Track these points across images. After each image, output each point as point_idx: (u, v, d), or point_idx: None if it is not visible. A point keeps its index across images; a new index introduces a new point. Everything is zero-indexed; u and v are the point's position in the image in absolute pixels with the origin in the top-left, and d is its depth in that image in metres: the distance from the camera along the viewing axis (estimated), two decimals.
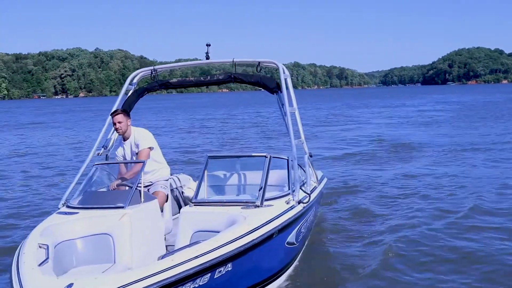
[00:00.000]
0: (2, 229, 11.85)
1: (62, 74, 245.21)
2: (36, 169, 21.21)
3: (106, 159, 9.14)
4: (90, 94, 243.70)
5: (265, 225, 6.78)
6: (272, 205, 7.43)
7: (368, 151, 23.00)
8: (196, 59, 9.97)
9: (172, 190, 9.46)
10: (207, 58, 9.38)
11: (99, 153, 9.11)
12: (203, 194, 7.82)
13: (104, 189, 8.19)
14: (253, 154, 8.51)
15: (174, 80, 9.73)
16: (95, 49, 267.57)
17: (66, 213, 7.36)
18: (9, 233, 11.47)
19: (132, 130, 8.62)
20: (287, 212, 7.44)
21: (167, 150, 23.30)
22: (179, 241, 7.19)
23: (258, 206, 7.32)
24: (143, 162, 7.83)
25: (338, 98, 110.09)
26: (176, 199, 9.72)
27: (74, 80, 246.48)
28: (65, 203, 7.88)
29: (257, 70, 9.50)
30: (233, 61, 9.30)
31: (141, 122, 46.52)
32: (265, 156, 8.01)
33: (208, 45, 9.34)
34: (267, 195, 7.57)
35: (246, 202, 7.46)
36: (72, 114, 71.22)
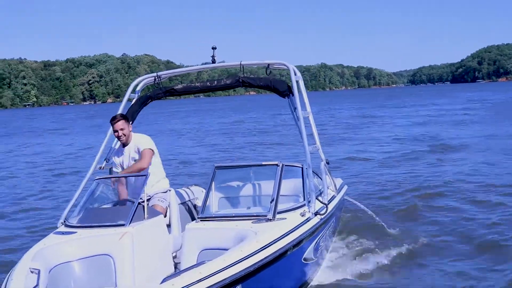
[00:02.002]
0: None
1: (89, 80, 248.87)
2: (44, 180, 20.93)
3: (110, 173, 8.70)
4: (118, 99, 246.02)
5: (278, 240, 6.40)
6: (286, 218, 7.02)
7: (408, 151, 22.51)
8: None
9: (184, 203, 9.09)
10: (213, 61, 9.16)
11: (101, 167, 8.71)
12: (211, 208, 7.49)
13: (107, 206, 7.79)
14: (264, 163, 8.09)
15: (179, 86, 9.44)
16: (122, 55, 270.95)
17: (63, 233, 7.01)
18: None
19: (132, 136, 8.24)
20: (302, 225, 7.05)
21: (171, 161, 22.94)
22: (184, 261, 6.82)
23: (270, 220, 6.92)
24: (146, 176, 7.46)
25: (368, 98, 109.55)
26: (189, 212, 9.31)
27: (101, 86, 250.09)
28: (64, 221, 7.53)
29: (266, 73, 9.18)
30: (240, 64, 9.01)
31: (153, 128, 46.59)
32: (277, 165, 7.61)
33: (214, 48, 9.16)
34: (280, 207, 7.17)
35: (257, 216, 7.06)
36: (92, 119, 71.80)
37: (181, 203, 8.79)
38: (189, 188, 9.71)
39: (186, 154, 27.19)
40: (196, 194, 9.62)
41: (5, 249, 11.64)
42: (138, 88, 9.54)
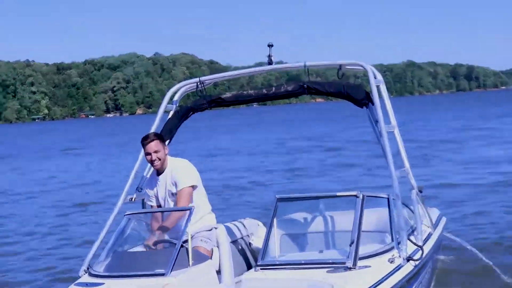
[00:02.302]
0: None
1: (114, 86, 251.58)
2: (54, 214, 21.42)
3: (143, 206, 8.84)
4: (150, 110, 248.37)
5: None
6: (370, 266, 7.03)
7: None
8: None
9: (235, 242, 9.14)
10: (270, 62, 9.23)
11: (132, 198, 8.86)
12: (273, 252, 7.56)
13: (140, 248, 7.90)
14: (339, 194, 8.14)
15: (228, 94, 9.55)
16: (154, 54, 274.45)
17: (87, 285, 7.11)
18: None
19: (169, 162, 8.31)
20: (391, 275, 7.05)
21: (217, 188, 23.10)
22: None
23: (350, 269, 6.93)
24: (190, 209, 7.53)
25: (471, 105, 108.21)
26: (241, 253, 9.36)
27: (129, 93, 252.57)
28: (87, 269, 7.65)
29: (338, 76, 9.23)
30: (304, 66, 9.06)
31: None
32: (356, 196, 7.62)
33: (270, 45, 9.26)
34: (361, 252, 7.17)
35: (332, 263, 7.09)
36: (117, 136, 72.82)
37: (232, 242, 8.84)
38: (241, 222, 9.74)
39: (236, 179, 27.45)
40: (251, 229, 9.66)
41: None
42: (176, 97, 9.64)
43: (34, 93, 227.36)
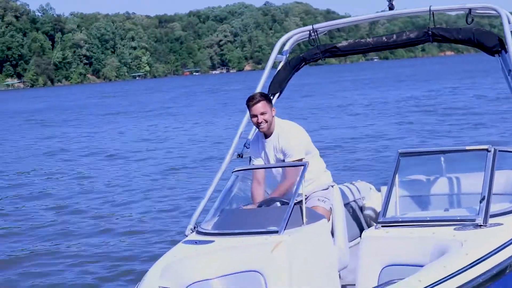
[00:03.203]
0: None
1: (220, 40, 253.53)
2: (156, 175, 22.39)
3: (250, 163, 9.03)
4: (259, 66, 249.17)
5: (494, 254, 6.43)
6: (502, 224, 7.00)
7: None
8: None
9: (347, 205, 9.26)
10: (391, 8, 9.12)
11: (240, 155, 9.04)
12: (395, 210, 7.54)
13: (249, 206, 8.13)
14: (468, 148, 8.06)
15: (344, 43, 9.56)
16: (265, 4, 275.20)
17: (196, 242, 7.35)
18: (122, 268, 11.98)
19: (276, 125, 8.40)
20: None
21: (329, 149, 23.24)
22: (362, 280, 6.97)
23: (481, 226, 6.92)
24: (305, 165, 7.62)
25: None
26: (354, 217, 9.54)
27: (236, 48, 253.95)
28: (194, 227, 7.93)
29: (467, 22, 9.05)
30: (429, 10, 8.96)
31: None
32: (487, 150, 7.53)
33: None
34: (493, 209, 7.13)
35: (461, 220, 7.07)
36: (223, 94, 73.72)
37: (344, 205, 8.96)
38: (353, 184, 9.87)
39: (346, 140, 27.81)
40: (363, 192, 9.79)
41: (121, 257, 13.01)
42: (287, 47, 9.63)
43: (134, 48, 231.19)
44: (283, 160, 8.26)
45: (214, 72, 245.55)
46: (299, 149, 8.23)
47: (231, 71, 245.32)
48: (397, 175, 7.68)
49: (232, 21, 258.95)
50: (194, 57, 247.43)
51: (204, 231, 7.54)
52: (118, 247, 13.86)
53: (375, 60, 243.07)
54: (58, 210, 18.23)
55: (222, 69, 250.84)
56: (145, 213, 16.88)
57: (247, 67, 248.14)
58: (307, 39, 9.68)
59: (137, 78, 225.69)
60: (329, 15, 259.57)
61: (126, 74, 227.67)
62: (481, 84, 58.70)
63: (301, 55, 9.64)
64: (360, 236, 7.73)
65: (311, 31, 9.54)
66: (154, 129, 41.41)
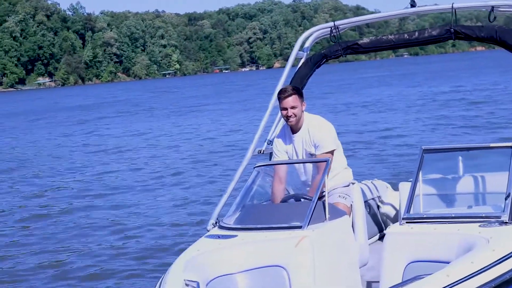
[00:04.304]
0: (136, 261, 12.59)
1: (250, 38, 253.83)
2: (177, 170, 22.85)
3: (271, 159, 9.04)
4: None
5: None
6: None
7: None
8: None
9: (366, 203, 9.31)
10: (413, 5, 9.13)
11: (260, 151, 9.07)
12: (419, 206, 7.55)
13: (270, 203, 8.20)
14: (492, 145, 8.04)
15: (365, 40, 9.53)
16: (294, 1, 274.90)
17: (219, 237, 7.39)
18: (147, 265, 12.15)
19: (305, 119, 8.42)
20: None
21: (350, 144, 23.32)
22: (386, 276, 6.96)
23: (506, 223, 6.91)
24: (327, 161, 7.66)
25: None
26: (371, 215, 9.58)
27: (266, 45, 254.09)
28: (216, 222, 7.98)
29: (489, 20, 8.98)
30: (452, 8, 8.92)
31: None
32: (511, 147, 7.53)
33: None
34: None
35: (486, 217, 7.07)
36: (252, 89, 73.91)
37: (364, 202, 8.98)
38: (372, 183, 9.90)
39: (365, 136, 28.12)
40: (380, 191, 9.83)
41: (144, 248, 13.33)
42: (308, 44, 9.71)
43: (164, 46, 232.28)
44: (312, 154, 8.31)
45: (243, 69, 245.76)
46: (331, 141, 8.29)
47: (261, 68, 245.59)
48: (420, 172, 7.68)
49: (261, 18, 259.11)
50: (224, 54, 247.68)
51: (226, 225, 7.59)
52: (141, 242, 14.11)
53: (405, 56, 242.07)
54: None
55: (251, 66, 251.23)
56: (169, 209, 17.21)
57: (277, 64, 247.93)
58: (329, 35, 9.67)
59: (167, 76, 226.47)
60: (358, 11, 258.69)
61: (156, 72, 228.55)
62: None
63: (322, 51, 9.67)
64: (378, 234, 7.70)
65: (333, 28, 9.55)
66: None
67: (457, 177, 8.88)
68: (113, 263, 12.80)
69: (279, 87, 8.93)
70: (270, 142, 9.10)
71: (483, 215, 7.13)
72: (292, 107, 8.20)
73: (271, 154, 8.99)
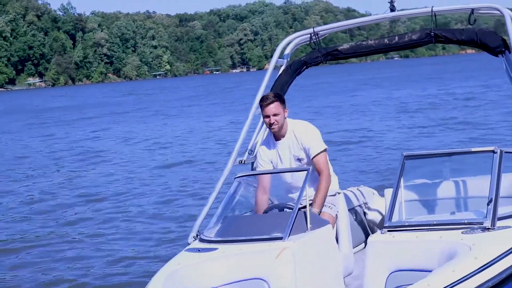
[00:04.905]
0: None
1: (240, 39, 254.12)
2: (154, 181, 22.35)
3: (255, 168, 8.95)
4: (279, 65, 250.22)
5: (504, 257, 6.36)
6: (511, 227, 6.93)
7: None
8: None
9: (351, 210, 9.22)
10: (392, 9, 9.11)
11: (242, 161, 8.95)
12: (400, 214, 7.47)
13: (251, 214, 8.17)
14: (473, 149, 7.92)
15: (345, 45, 9.49)
16: (285, 2, 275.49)
17: (199, 250, 7.32)
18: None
19: (289, 125, 8.35)
20: None
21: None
22: (369, 286, 6.92)
23: (489, 229, 6.84)
24: (308, 170, 7.58)
25: None
26: (357, 223, 9.53)
27: (257, 46, 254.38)
28: (197, 235, 7.89)
29: (469, 22, 9.01)
30: (431, 11, 8.94)
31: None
32: (493, 151, 7.44)
33: None
34: (500, 212, 7.05)
35: (468, 224, 6.98)
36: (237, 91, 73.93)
37: (348, 210, 8.92)
38: (358, 189, 9.84)
39: (347, 142, 27.92)
40: (367, 197, 9.76)
41: (121, 261, 13.08)
42: (288, 50, 9.65)
43: (155, 47, 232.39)
44: (301, 159, 8.25)
45: (234, 71, 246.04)
46: (320, 141, 8.22)
47: (251, 70, 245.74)
48: (402, 179, 7.62)
49: (252, 20, 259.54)
50: (215, 56, 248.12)
51: (207, 238, 7.52)
52: (118, 255, 13.79)
53: (396, 58, 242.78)
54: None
55: (242, 67, 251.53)
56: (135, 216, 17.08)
57: (267, 66, 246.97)
58: (309, 42, 9.67)
59: (157, 77, 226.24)
60: (349, 13, 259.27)
61: (146, 73, 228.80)
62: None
63: (302, 58, 9.64)
64: (364, 242, 7.63)
65: (312, 34, 9.54)
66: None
67: (439, 182, 8.88)
68: (90, 276, 12.52)
69: (259, 94, 8.84)
70: (251, 152, 9.02)
71: (466, 221, 7.06)
72: (274, 114, 8.14)
73: (252, 163, 8.92)
